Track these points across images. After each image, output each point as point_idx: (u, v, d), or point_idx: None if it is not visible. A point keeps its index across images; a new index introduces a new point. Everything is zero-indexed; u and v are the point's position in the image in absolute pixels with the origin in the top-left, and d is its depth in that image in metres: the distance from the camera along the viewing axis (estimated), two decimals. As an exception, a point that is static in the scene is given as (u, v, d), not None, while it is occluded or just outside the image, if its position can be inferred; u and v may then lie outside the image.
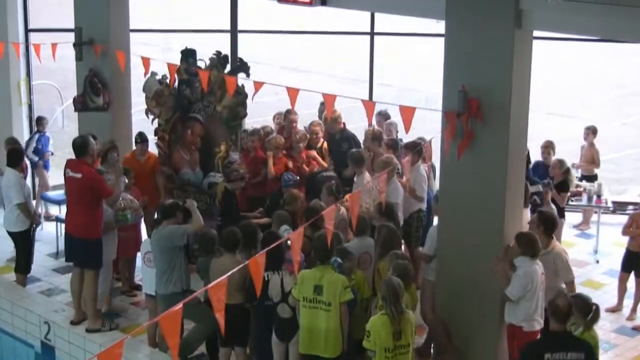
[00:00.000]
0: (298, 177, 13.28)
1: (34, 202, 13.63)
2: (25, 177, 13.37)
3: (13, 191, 12.95)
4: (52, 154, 16.95)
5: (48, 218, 16.06)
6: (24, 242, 13.19)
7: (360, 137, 14.46)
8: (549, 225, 10.79)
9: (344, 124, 14.45)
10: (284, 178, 13.17)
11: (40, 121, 16.72)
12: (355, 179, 12.91)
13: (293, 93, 11.16)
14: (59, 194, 15.83)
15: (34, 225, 13.31)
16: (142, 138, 13.94)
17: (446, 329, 11.10)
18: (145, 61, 13.13)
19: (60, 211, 15.74)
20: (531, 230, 10.76)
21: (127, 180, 12.91)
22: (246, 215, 12.73)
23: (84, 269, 11.93)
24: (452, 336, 11.02)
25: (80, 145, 11.88)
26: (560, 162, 14.28)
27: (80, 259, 11.92)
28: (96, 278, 11.98)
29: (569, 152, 16.31)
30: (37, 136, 16.53)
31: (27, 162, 13.72)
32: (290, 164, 13.68)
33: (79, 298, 12.07)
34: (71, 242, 11.96)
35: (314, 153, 13.96)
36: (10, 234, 13.27)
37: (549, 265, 10.53)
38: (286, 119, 14.51)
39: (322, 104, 14.65)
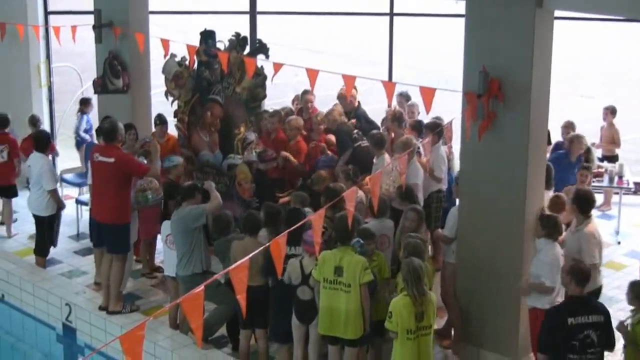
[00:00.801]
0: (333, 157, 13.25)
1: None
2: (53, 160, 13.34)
3: (45, 177, 12.98)
4: None
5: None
6: (50, 226, 13.25)
7: (380, 118, 14.42)
8: (583, 204, 10.69)
9: (358, 102, 14.31)
10: (320, 159, 13.09)
11: (86, 102, 16.87)
12: (375, 160, 12.86)
13: (312, 74, 11.14)
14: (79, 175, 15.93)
15: (61, 209, 13.35)
16: (161, 120, 13.96)
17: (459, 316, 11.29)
18: (165, 43, 13.13)
19: (81, 193, 15.79)
20: (569, 209, 10.78)
21: (146, 162, 12.92)
22: (280, 195, 12.73)
23: (114, 254, 11.96)
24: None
25: (109, 130, 11.84)
26: (578, 138, 14.12)
27: (111, 245, 11.92)
28: (124, 262, 12.00)
29: (588, 133, 16.20)
30: (85, 117, 16.72)
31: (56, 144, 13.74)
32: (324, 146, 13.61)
33: (108, 283, 12.06)
34: (99, 228, 11.97)
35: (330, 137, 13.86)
36: (36, 217, 13.32)
37: (574, 244, 10.52)
38: (302, 99, 14.47)
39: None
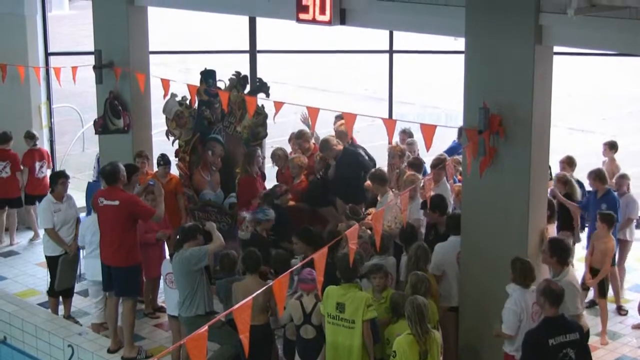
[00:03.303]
0: None
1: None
2: (63, 195, 13.17)
3: (40, 217, 13.16)
4: None
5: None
6: (51, 266, 13.15)
7: (377, 155, 14.40)
8: (563, 255, 10.28)
9: (351, 139, 14.00)
10: None
11: None
12: (379, 198, 12.80)
13: (313, 112, 11.17)
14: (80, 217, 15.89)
15: (65, 253, 13.01)
16: (164, 160, 13.94)
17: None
18: (165, 83, 13.16)
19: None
20: (544, 260, 10.43)
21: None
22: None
23: (123, 297, 11.93)
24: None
25: (110, 172, 11.86)
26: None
27: (121, 288, 11.89)
28: (134, 306, 11.98)
29: (589, 168, 16.15)
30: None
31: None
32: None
33: (116, 326, 12.04)
34: (109, 271, 11.90)
35: None
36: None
37: None
38: (296, 143, 14.38)
39: (336, 117, 14.57)
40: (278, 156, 14.07)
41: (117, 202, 11.63)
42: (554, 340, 9.09)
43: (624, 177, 14.02)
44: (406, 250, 11.27)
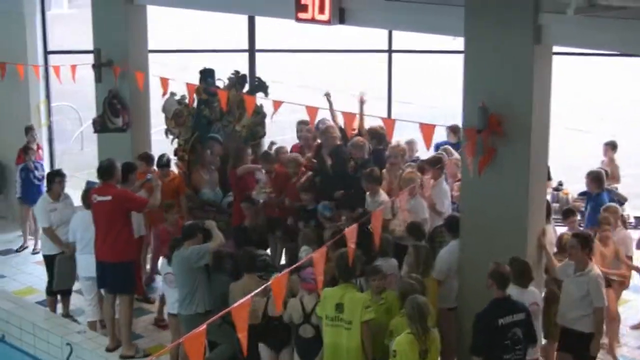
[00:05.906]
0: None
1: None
2: (59, 195, 13.19)
3: (37, 216, 13.27)
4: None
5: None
6: (49, 265, 13.18)
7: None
8: (590, 247, 10.50)
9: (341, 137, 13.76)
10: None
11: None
12: (368, 198, 12.70)
13: (312, 111, 11.16)
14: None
15: (62, 253, 12.99)
16: (167, 161, 13.91)
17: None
18: (164, 81, 13.17)
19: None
20: (574, 254, 10.43)
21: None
22: None
23: (119, 294, 11.92)
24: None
25: (107, 169, 11.87)
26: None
27: (116, 285, 11.89)
28: (131, 302, 11.97)
29: (589, 168, 16.13)
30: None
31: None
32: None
33: (114, 324, 12.04)
34: (103, 268, 11.88)
35: None
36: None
37: (582, 288, 10.36)
38: (299, 130, 14.34)
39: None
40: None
41: (109, 198, 11.65)
42: (503, 320, 9.32)
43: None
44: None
